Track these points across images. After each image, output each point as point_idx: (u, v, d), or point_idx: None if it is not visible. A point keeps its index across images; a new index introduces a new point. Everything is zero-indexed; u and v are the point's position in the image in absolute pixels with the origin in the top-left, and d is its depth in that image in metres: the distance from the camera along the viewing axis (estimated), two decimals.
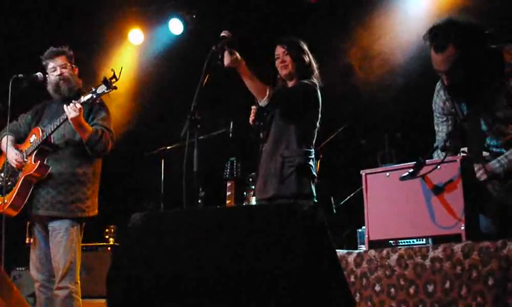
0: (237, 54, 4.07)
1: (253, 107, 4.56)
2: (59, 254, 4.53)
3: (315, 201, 4.29)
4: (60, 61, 4.78)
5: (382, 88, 6.91)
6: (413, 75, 6.46)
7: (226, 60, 4.04)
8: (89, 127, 4.55)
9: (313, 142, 4.48)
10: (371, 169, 3.28)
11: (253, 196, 6.26)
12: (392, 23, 6.91)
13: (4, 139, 4.78)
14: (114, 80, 4.46)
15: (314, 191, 4.35)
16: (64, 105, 4.44)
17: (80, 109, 4.40)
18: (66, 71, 4.75)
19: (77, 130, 4.52)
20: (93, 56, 7.84)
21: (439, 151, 3.60)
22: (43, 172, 4.57)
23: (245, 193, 6.38)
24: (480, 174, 3.33)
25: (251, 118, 4.58)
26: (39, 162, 4.56)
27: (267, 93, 4.18)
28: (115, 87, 4.48)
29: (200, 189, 6.16)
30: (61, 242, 4.54)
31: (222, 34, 3.91)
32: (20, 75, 4.61)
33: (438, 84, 3.69)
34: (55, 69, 4.74)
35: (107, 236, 6.98)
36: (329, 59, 6.19)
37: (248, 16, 7.69)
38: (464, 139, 3.58)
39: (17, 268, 6.69)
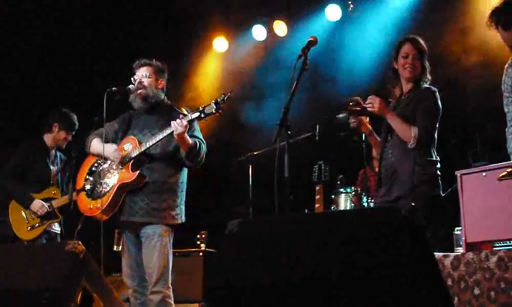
0: (378, 105, 4.23)
1: (359, 118, 4.56)
2: (153, 259, 4.64)
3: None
4: (143, 71, 4.91)
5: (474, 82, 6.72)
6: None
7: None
8: (190, 141, 4.66)
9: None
10: (467, 169, 3.21)
11: (342, 199, 6.24)
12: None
13: (96, 141, 4.92)
14: (223, 103, 4.56)
15: (441, 193, 4.32)
16: (172, 121, 4.54)
17: (186, 125, 4.53)
18: (145, 81, 4.87)
19: (179, 143, 4.63)
20: (181, 64, 8.04)
21: None
22: (140, 181, 4.69)
23: (333, 196, 6.34)
24: None
25: (353, 123, 4.57)
26: (138, 172, 4.69)
27: (412, 134, 4.17)
28: (223, 110, 4.58)
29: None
30: (155, 248, 4.65)
31: (309, 38, 3.92)
32: (113, 88, 4.74)
33: (507, 63, 3.58)
34: (137, 78, 4.88)
35: (198, 242, 7.08)
36: None
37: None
38: None
39: (113, 274, 6.86)
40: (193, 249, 6.97)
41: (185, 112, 4.73)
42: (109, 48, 7.98)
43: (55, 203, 5.85)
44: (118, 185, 4.71)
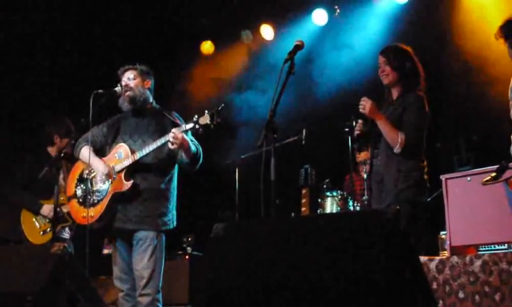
0: (370, 107, 4.27)
1: (360, 121, 4.58)
2: (142, 262, 4.64)
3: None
4: (128, 74, 4.92)
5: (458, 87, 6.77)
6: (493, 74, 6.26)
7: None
8: (192, 148, 4.67)
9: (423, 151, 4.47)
10: (451, 173, 3.23)
11: (328, 202, 6.26)
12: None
13: (85, 149, 4.90)
14: (218, 117, 4.55)
15: (427, 198, 4.37)
16: (169, 136, 4.53)
17: (182, 137, 4.53)
18: (131, 83, 4.87)
19: (181, 151, 4.64)
20: (169, 69, 8.03)
21: None
22: (134, 190, 4.70)
23: (319, 200, 6.36)
24: None
25: (357, 131, 4.59)
26: (132, 182, 4.69)
27: (399, 140, 4.22)
28: (217, 124, 4.56)
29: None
30: (146, 251, 4.65)
31: (296, 42, 3.93)
32: (100, 91, 4.73)
33: None
34: (124, 83, 4.88)
35: (185, 245, 7.09)
36: None
37: None
38: None
39: (100, 277, 6.86)
40: (179, 253, 6.97)
41: (177, 121, 4.74)
42: (95, 54, 7.94)
43: (64, 208, 5.91)
44: (111, 194, 4.71)
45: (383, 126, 4.28)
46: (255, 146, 3.90)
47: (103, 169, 4.76)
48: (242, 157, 6.82)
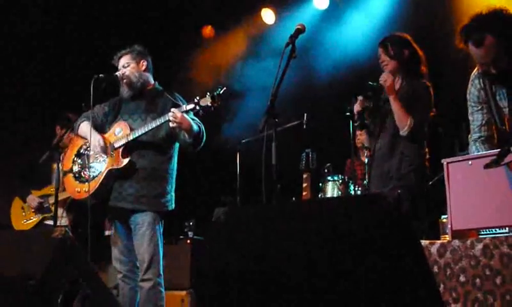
0: (390, 82, 4.30)
1: (360, 98, 4.59)
2: (143, 247, 4.65)
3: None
4: (122, 62, 4.92)
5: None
6: None
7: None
8: (195, 127, 4.64)
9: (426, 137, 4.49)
10: (453, 157, 3.22)
11: (329, 187, 6.26)
12: None
13: (84, 124, 4.89)
14: (219, 99, 4.53)
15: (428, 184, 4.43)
16: (170, 113, 4.51)
17: (181, 117, 4.50)
18: (126, 70, 4.87)
19: (183, 130, 4.62)
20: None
21: (477, 144, 3.65)
22: (130, 168, 4.68)
23: (321, 184, 6.36)
24: None
25: (358, 108, 4.59)
26: (128, 159, 4.67)
27: (408, 122, 4.24)
28: (218, 106, 4.54)
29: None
30: (144, 236, 4.65)
31: (297, 26, 3.91)
32: (100, 75, 4.73)
33: (472, 73, 3.75)
34: (120, 70, 4.89)
35: (186, 230, 7.11)
36: None
37: None
38: None
39: (100, 262, 6.89)
40: (181, 237, 6.98)
41: (178, 102, 4.73)
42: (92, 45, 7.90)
43: (51, 199, 5.99)
44: (106, 170, 4.70)
45: (397, 105, 4.33)
46: (256, 130, 3.90)
47: (100, 142, 4.74)
48: (243, 141, 6.81)
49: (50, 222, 6.10)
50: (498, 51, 3.38)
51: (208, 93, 4.51)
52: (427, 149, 4.46)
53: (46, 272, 3.00)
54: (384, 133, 4.47)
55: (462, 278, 2.97)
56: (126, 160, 4.66)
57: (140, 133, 4.65)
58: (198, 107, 4.54)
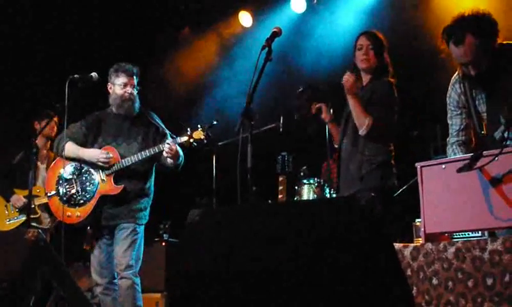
0: (352, 82, 4.28)
1: (319, 104, 4.62)
2: (123, 249, 4.83)
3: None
4: (133, 81, 4.95)
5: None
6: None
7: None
8: (181, 154, 4.91)
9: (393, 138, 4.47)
10: (426, 161, 3.24)
11: (305, 190, 6.27)
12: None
13: (69, 144, 4.90)
14: (210, 133, 4.84)
15: (396, 183, 4.40)
16: (166, 145, 4.70)
17: (176, 149, 4.77)
18: (134, 92, 4.92)
19: (170, 158, 4.84)
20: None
21: (454, 146, 3.66)
22: (120, 191, 4.86)
23: (296, 187, 6.38)
24: None
25: (320, 112, 4.62)
26: (122, 186, 4.86)
27: (366, 122, 4.22)
28: (209, 139, 4.85)
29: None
30: (127, 238, 4.86)
31: (274, 29, 3.91)
32: (75, 76, 4.69)
33: (453, 77, 3.79)
34: (125, 85, 4.86)
35: (161, 232, 7.09)
36: None
37: None
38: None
39: (75, 263, 6.84)
40: (156, 239, 6.96)
41: (161, 128, 4.88)
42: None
43: (37, 200, 5.92)
44: (99, 195, 4.82)
45: (355, 105, 4.30)
46: (232, 133, 3.92)
47: (97, 154, 4.83)
48: (220, 143, 6.81)
49: (42, 225, 6.06)
50: (477, 51, 3.43)
51: (199, 126, 4.81)
52: (392, 147, 4.42)
53: (18, 274, 2.96)
54: (347, 133, 4.48)
55: (435, 281, 3.00)
56: (120, 188, 4.86)
57: (133, 161, 4.80)
58: (191, 140, 4.70)
